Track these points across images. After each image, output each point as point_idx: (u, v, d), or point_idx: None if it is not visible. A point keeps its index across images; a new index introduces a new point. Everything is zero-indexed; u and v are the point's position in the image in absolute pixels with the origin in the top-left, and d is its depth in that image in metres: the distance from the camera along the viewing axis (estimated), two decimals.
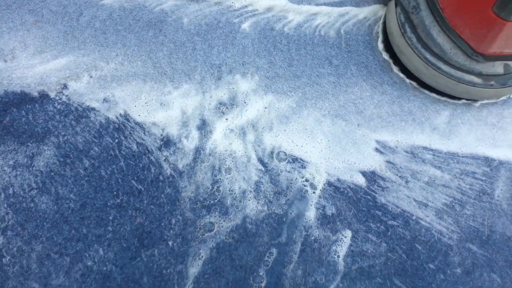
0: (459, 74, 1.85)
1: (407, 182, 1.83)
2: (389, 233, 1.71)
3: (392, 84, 1.99)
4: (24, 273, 1.52)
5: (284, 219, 1.69)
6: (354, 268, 1.62)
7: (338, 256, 1.64)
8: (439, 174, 1.86)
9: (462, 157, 1.91)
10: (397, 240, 1.69)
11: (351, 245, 1.67)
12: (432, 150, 1.92)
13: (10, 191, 1.65)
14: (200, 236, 1.64)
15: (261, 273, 1.59)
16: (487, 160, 1.91)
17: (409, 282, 1.62)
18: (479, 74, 1.84)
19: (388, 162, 1.87)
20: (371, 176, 1.82)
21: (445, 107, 1.98)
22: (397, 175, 1.84)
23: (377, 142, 1.88)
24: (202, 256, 1.60)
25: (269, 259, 1.62)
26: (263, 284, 1.57)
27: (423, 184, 1.83)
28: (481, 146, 1.94)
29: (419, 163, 1.88)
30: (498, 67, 1.82)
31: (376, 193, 1.79)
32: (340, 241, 1.68)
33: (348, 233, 1.70)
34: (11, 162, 1.71)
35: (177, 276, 1.56)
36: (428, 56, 1.87)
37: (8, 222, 1.59)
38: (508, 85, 1.85)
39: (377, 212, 1.75)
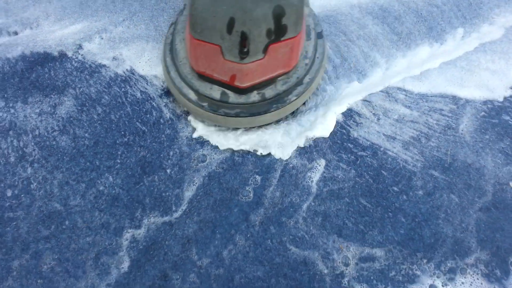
0: (181, 84, 1.93)
1: (378, 119, 2.05)
2: (358, 162, 1.95)
3: None
4: (48, 196, 1.86)
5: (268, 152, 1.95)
6: (325, 190, 1.88)
7: (312, 181, 1.90)
8: (409, 112, 2.07)
9: (431, 96, 2.11)
10: (365, 168, 1.93)
11: (324, 172, 1.92)
12: (405, 90, 2.12)
13: (36, 133, 1.99)
14: (194, 166, 1.93)
15: (247, 188, 1.87)
16: (455, 99, 2.11)
17: (374, 202, 1.86)
18: (196, 91, 1.87)
19: (365, 100, 2.10)
20: (348, 112, 2.06)
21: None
22: (371, 112, 2.07)
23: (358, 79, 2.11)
24: (196, 183, 1.90)
25: (252, 183, 1.90)
26: (249, 199, 1.85)
27: (393, 121, 2.05)
28: (449, 86, 2.13)
29: (392, 102, 2.09)
30: (215, 92, 1.84)
31: (350, 127, 2.03)
32: (315, 168, 1.93)
33: (322, 162, 1.95)
34: (37, 110, 2.05)
35: (174, 198, 1.86)
36: (168, 58, 1.99)
37: (34, 157, 1.93)
38: (219, 113, 1.88)
39: (349, 144, 1.99)
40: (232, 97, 1.83)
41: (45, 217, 1.81)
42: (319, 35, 1.98)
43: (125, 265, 1.73)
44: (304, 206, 1.84)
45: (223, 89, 1.83)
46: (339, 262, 1.74)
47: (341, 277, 1.72)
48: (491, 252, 1.77)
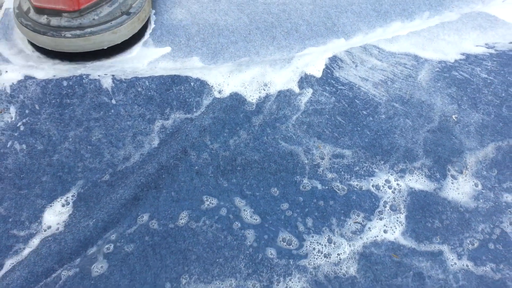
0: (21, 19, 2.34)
1: (356, 66, 2.67)
2: (337, 92, 2.55)
3: None
4: (97, 90, 2.45)
5: None
6: (311, 108, 2.47)
7: (301, 102, 2.50)
8: (379, 63, 2.70)
9: (398, 54, 2.75)
10: (343, 97, 2.53)
11: (310, 97, 2.52)
12: (378, 48, 2.76)
13: None
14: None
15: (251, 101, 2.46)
16: (416, 58, 2.74)
17: (347, 119, 2.44)
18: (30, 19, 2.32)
19: (347, 51, 2.73)
20: (333, 58, 2.68)
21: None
22: (351, 60, 2.69)
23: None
24: (213, 94, 2.49)
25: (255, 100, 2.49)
26: (252, 109, 2.43)
27: (367, 68, 2.67)
28: (413, 48, 2.77)
29: (368, 55, 2.72)
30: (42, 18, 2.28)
31: (334, 69, 2.65)
32: (304, 94, 2.53)
33: (310, 90, 2.55)
34: None
35: (195, 103, 2.45)
36: None
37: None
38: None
39: (332, 81, 2.60)
40: (54, 20, 2.32)
41: (96, 105, 2.39)
42: None
43: (155, 142, 2.29)
44: (294, 117, 2.43)
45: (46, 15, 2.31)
46: (317, 156, 2.31)
47: (317, 167, 2.27)
48: (433, 160, 2.33)
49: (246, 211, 2.09)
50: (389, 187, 2.19)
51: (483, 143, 2.34)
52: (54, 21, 2.29)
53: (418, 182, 2.24)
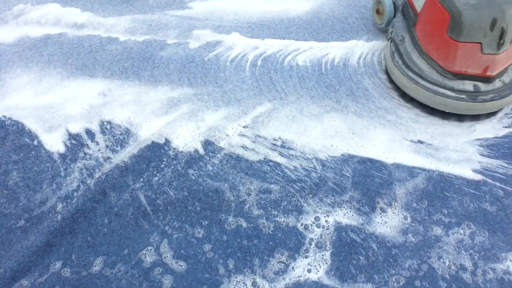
0: (434, 87, 2.36)
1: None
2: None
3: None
4: None
5: None
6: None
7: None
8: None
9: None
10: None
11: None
12: None
13: None
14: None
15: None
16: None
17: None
18: (451, 89, 2.33)
19: None
20: None
21: None
22: None
23: None
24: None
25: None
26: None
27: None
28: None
29: None
30: (468, 85, 2.30)
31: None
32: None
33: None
34: None
35: (120, 142, 2.39)
36: (410, 73, 2.44)
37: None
38: (478, 101, 2.30)
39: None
40: (482, 87, 2.26)
41: (16, 147, 2.32)
42: None
43: (74, 185, 2.22)
44: (222, 153, 2.37)
45: (474, 82, 2.24)
46: (243, 193, 2.25)
47: (244, 203, 2.21)
48: (362, 192, 2.28)
49: (166, 254, 2.01)
50: (317, 226, 2.13)
51: (413, 174, 2.30)
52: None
53: (346, 216, 2.18)
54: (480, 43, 2.16)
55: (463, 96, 2.31)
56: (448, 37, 2.19)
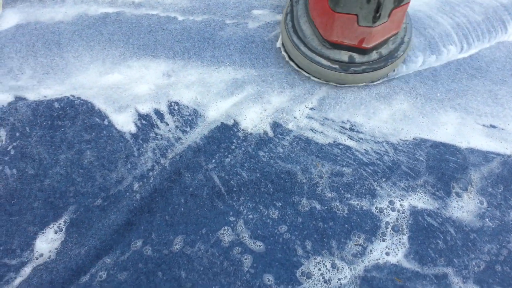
0: (312, 55, 2.33)
1: None
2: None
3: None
4: (89, 111, 2.39)
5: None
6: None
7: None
8: None
9: None
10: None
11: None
12: None
13: None
14: None
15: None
16: None
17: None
18: (327, 58, 2.30)
19: None
20: None
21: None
22: None
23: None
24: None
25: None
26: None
27: None
28: None
29: None
30: (343, 56, 2.27)
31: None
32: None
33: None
34: None
35: (189, 123, 2.38)
36: (295, 39, 2.39)
37: None
38: (349, 72, 2.29)
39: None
40: (357, 57, 2.27)
41: (87, 127, 2.33)
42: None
43: (149, 164, 2.23)
44: (291, 135, 2.35)
45: (350, 52, 2.25)
46: (315, 175, 2.24)
47: (316, 186, 2.20)
48: (437, 176, 2.25)
49: (244, 234, 2.02)
50: (392, 209, 2.11)
51: (487, 158, 2.26)
52: None
53: (421, 200, 2.16)
54: (356, 15, 2.08)
55: (336, 66, 2.28)
56: (328, 7, 2.10)
